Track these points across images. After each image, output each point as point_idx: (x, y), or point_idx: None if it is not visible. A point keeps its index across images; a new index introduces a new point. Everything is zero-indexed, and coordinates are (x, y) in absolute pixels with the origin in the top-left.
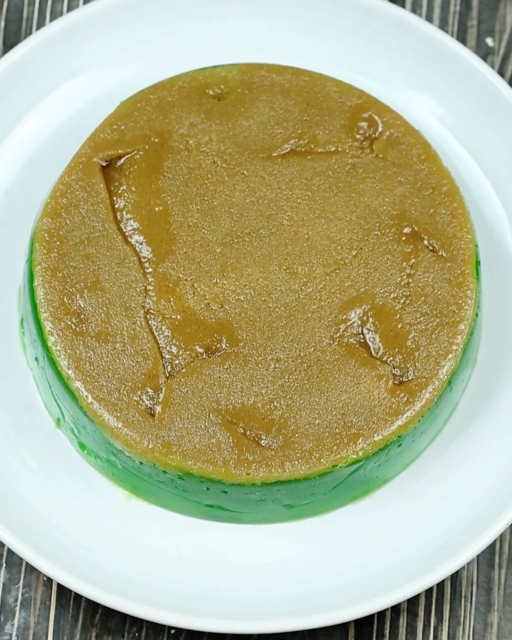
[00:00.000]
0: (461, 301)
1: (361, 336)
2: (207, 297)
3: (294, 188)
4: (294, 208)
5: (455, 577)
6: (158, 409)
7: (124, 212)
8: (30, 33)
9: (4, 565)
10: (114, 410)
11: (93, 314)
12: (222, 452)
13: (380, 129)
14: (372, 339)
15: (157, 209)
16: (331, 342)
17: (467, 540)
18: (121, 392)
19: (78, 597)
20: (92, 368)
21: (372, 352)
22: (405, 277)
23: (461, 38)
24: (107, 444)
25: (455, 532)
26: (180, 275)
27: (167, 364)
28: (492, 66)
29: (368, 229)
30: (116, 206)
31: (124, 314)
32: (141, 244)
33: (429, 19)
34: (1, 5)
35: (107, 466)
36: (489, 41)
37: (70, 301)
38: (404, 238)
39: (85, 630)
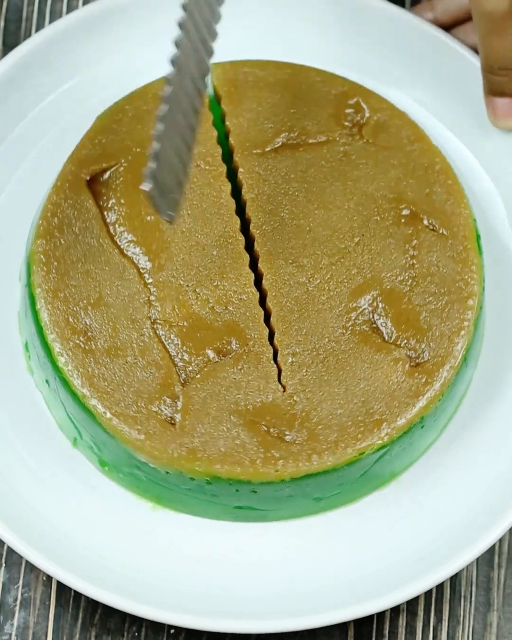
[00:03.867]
0: (467, 277)
1: (373, 322)
2: (210, 300)
3: (290, 181)
4: (293, 201)
5: (454, 577)
6: (178, 417)
7: (117, 225)
8: (30, 33)
9: (4, 565)
10: (134, 423)
11: (100, 330)
12: (248, 452)
13: (367, 114)
14: (384, 324)
15: (148, 218)
16: (344, 331)
17: (471, 539)
18: (139, 404)
19: (77, 596)
20: (106, 384)
21: (386, 337)
22: (409, 258)
23: None
24: (131, 458)
25: (458, 531)
26: (181, 282)
27: (180, 371)
28: None
29: (367, 215)
30: (108, 220)
31: (131, 326)
32: (138, 255)
33: None
34: (1, 5)
35: (131, 480)
36: None
37: (75, 320)
38: (403, 220)
39: (84, 629)
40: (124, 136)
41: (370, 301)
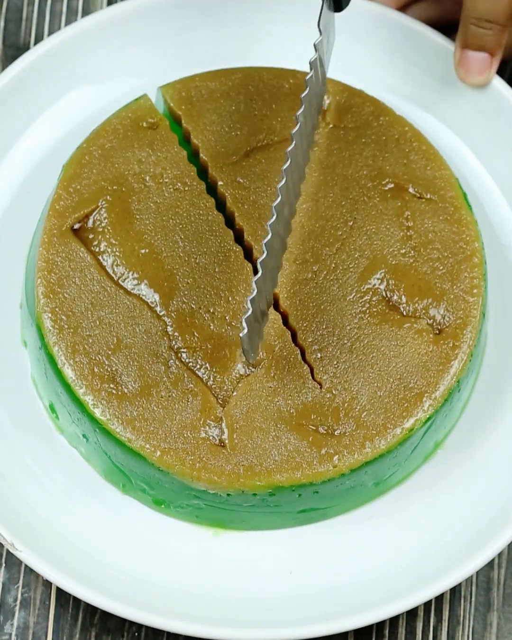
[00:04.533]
0: (465, 235)
1: (388, 300)
2: (226, 317)
3: (270, 183)
4: None
5: None
6: (226, 438)
7: (115, 267)
8: (30, 33)
9: (4, 565)
10: (186, 454)
11: (127, 373)
12: (303, 455)
13: (326, 100)
14: (398, 300)
15: (143, 252)
16: (363, 315)
17: (472, 550)
18: (185, 435)
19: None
20: (148, 424)
21: (403, 312)
22: (406, 230)
23: None
24: (189, 489)
25: (459, 542)
26: (193, 306)
27: (217, 393)
28: None
29: (354, 197)
30: (104, 264)
31: (157, 361)
32: (143, 290)
33: None
34: (1, 5)
35: (190, 511)
36: None
37: (101, 369)
38: (389, 194)
39: (84, 630)
40: (95, 178)
41: (380, 280)
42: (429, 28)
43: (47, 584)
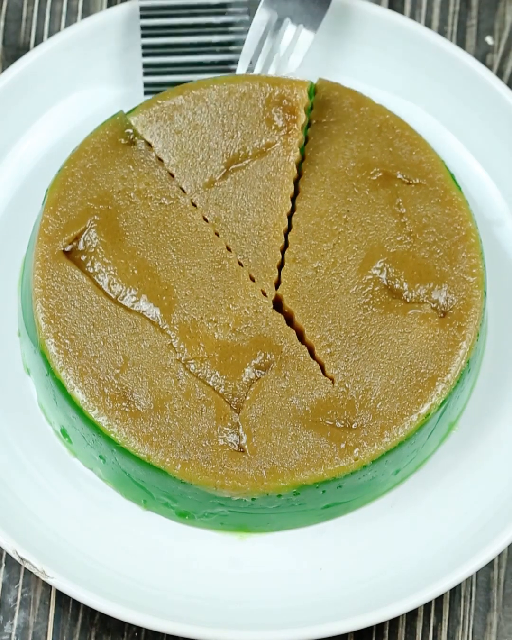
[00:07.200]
0: (458, 216)
1: (390, 289)
2: (229, 324)
3: (246, 193)
4: (268, 204)
5: None
6: (244, 443)
7: (111, 286)
8: (30, 33)
9: (4, 565)
10: (207, 464)
11: (138, 390)
12: (323, 452)
13: (298, 97)
14: (400, 287)
15: (137, 269)
16: (367, 306)
17: (474, 550)
18: (204, 445)
19: None
20: (165, 438)
21: (406, 299)
22: (399, 217)
23: (461, 37)
24: (213, 498)
25: (461, 542)
26: (195, 317)
27: (230, 399)
28: (492, 65)
29: (345, 191)
30: (101, 284)
31: (166, 375)
32: (143, 306)
33: (428, 18)
34: (1, 5)
35: (215, 519)
36: (489, 40)
37: (111, 389)
38: (379, 184)
39: (84, 630)
40: (81, 199)
41: (380, 270)
42: (393, 13)
43: (47, 584)
